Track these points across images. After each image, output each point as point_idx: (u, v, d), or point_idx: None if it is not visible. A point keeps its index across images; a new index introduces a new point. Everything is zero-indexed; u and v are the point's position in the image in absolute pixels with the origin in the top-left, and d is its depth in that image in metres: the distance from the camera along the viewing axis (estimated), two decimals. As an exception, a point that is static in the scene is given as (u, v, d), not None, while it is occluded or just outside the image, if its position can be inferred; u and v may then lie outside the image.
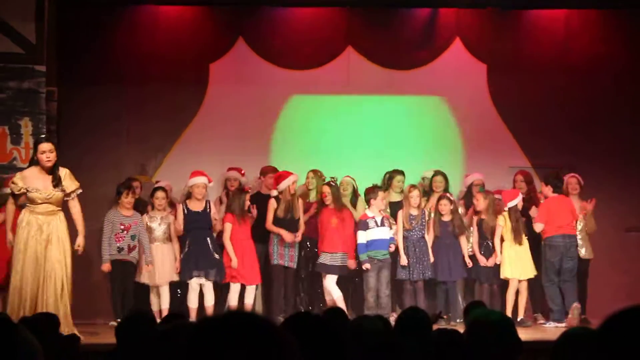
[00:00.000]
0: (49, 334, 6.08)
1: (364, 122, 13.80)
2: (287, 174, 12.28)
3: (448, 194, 12.59)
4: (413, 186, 12.48)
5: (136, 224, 11.75)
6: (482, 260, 12.34)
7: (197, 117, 13.50)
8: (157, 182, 12.68)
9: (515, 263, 12.27)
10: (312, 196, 12.61)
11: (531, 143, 13.78)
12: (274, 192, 12.30)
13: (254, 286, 12.09)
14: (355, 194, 12.68)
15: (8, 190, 10.21)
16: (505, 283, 12.36)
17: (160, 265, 11.87)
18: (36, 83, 11.71)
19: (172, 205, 12.29)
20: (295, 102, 13.74)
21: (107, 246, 11.59)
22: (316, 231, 12.33)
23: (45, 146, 9.91)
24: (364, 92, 13.77)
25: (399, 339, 5.21)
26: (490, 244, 12.37)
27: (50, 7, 11.98)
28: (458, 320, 11.78)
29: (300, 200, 12.33)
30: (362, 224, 12.10)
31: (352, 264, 12.16)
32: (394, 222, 12.31)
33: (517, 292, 12.30)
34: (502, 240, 12.31)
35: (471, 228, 12.57)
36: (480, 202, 12.42)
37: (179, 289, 12.05)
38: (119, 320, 10.70)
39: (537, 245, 12.43)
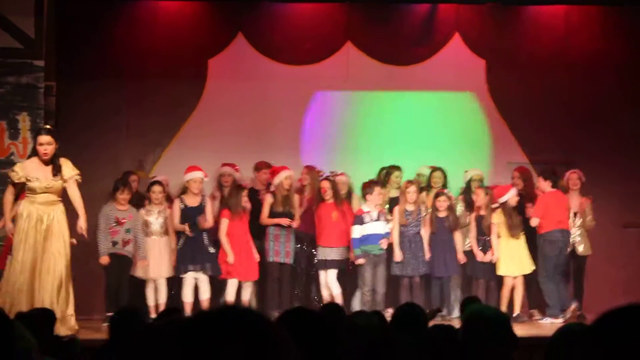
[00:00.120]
0: (44, 329, 6.08)
1: (371, 118, 13.81)
2: (281, 169, 12.29)
3: (446, 190, 12.59)
4: (410, 182, 12.47)
5: (131, 218, 11.75)
6: (479, 255, 12.34)
7: (195, 112, 13.51)
8: (153, 177, 12.68)
9: (511, 259, 12.27)
10: (308, 192, 12.60)
11: (530, 139, 13.78)
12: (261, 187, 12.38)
13: (251, 282, 12.09)
14: (349, 191, 12.68)
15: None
16: (502, 279, 12.36)
17: (158, 259, 11.87)
18: (35, 78, 11.70)
19: (169, 199, 12.28)
20: (296, 98, 13.73)
21: (103, 240, 11.59)
22: (311, 226, 12.34)
23: (44, 139, 9.91)
24: (363, 88, 13.76)
25: (394, 335, 5.21)
26: (489, 240, 12.37)
27: (49, 2, 11.99)
28: (453, 316, 11.78)
29: (296, 196, 12.33)
30: (357, 219, 12.10)
31: (353, 256, 12.16)
32: (391, 217, 12.31)
33: (513, 288, 12.30)
34: (499, 236, 12.32)
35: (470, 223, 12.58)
36: (480, 198, 12.42)
37: (174, 284, 12.05)
38: (109, 314, 10.82)
39: (533, 240, 12.42)
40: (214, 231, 11.99)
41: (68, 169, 9.96)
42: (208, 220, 11.89)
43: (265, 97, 13.61)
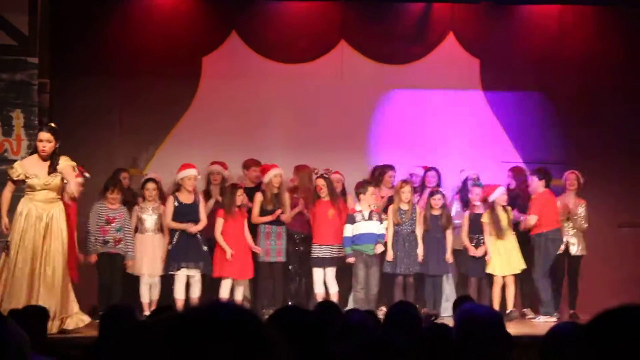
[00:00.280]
0: (37, 327, 6.08)
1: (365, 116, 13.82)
2: (269, 167, 12.30)
3: (441, 189, 12.60)
4: (405, 182, 12.47)
5: (122, 217, 11.78)
6: (471, 250, 12.35)
7: (189, 110, 13.50)
8: (145, 174, 12.70)
9: (499, 258, 12.27)
10: (299, 192, 12.60)
11: (523, 138, 13.79)
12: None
13: (244, 281, 12.10)
14: (343, 190, 12.68)
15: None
16: (493, 277, 12.38)
17: (152, 257, 11.87)
18: (28, 75, 11.69)
19: (161, 197, 12.28)
20: (290, 96, 13.73)
21: (92, 238, 11.61)
22: (304, 226, 12.35)
23: (43, 135, 9.93)
24: (357, 86, 13.75)
25: (388, 333, 5.21)
26: (482, 238, 12.39)
27: (43, -1, 11.97)
28: (446, 314, 11.79)
29: (287, 194, 12.33)
30: (349, 218, 12.11)
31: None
32: (385, 217, 12.30)
33: (505, 286, 12.30)
34: (490, 234, 12.34)
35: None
36: (476, 196, 12.43)
37: (170, 281, 12.04)
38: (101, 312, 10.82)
39: (526, 239, 12.43)
40: (207, 230, 11.98)
41: (63, 161, 9.94)
42: (202, 220, 11.89)
43: (259, 95, 13.60)
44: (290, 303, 11.86)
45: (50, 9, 12.33)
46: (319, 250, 12.16)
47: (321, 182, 12.23)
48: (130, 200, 12.23)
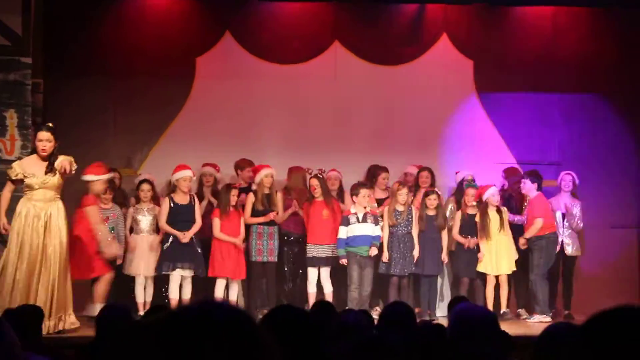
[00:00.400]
0: (32, 326, 6.07)
1: (359, 117, 13.82)
2: (261, 167, 12.32)
3: (437, 190, 12.62)
4: (402, 184, 12.48)
5: (115, 217, 11.83)
6: (465, 242, 12.36)
7: (183, 111, 13.49)
8: (139, 174, 12.71)
9: (489, 258, 12.29)
10: (292, 192, 12.60)
11: (517, 140, 13.80)
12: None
13: (238, 281, 12.10)
14: (341, 188, 12.70)
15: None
16: (486, 278, 12.40)
17: (146, 257, 11.89)
18: (22, 75, 11.66)
19: (154, 198, 12.28)
20: (283, 97, 13.73)
21: None
22: (298, 226, 12.36)
23: (43, 135, 9.93)
24: (351, 87, 13.75)
25: (383, 333, 5.22)
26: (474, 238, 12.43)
27: (36, -1, 11.96)
28: (441, 315, 11.80)
29: (279, 194, 12.34)
30: (344, 220, 12.12)
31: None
32: (381, 219, 12.31)
33: (499, 287, 12.32)
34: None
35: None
36: (470, 197, 12.43)
37: (161, 281, 12.05)
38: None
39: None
40: (201, 231, 12.00)
41: (58, 159, 9.92)
42: (197, 222, 11.90)
43: (253, 96, 13.59)
44: (284, 303, 11.86)
45: (44, 9, 12.32)
46: (313, 250, 12.16)
47: (315, 182, 12.24)
48: (121, 200, 12.26)
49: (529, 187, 12.41)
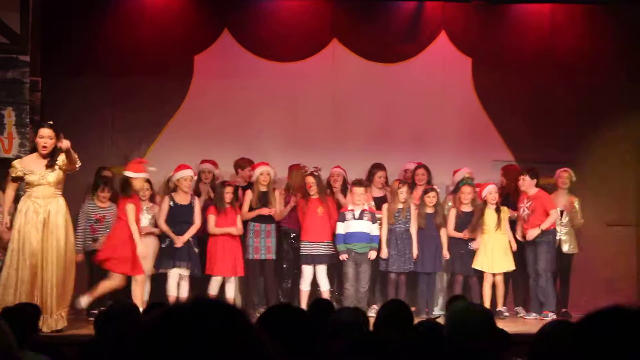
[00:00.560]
0: (29, 324, 6.07)
1: (357, 115, 13.83)
2: (258, 164, 12.33)
3: (435, 187, 12.62)
4: (402, 182, 12.49)
5: (111, 215, 11.81)
6: (460, 235, 12.36)
7: (181, 109, 13.49)
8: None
9: (485, 255, 12.29)
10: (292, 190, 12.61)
11: (515, 137, 13.81)
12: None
13: (234, 278, 12.09)
14: (345, 184, 12.69)
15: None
16: (483, 276, 12.41)
17: (145, 256, 11.88)
18: (20, 73, 11.66)
19: (152, 197, 12.31)
20: (281, 95, 13.73)
21: (81, 237, 11.65)
22: (296, 223, 12.36)
23: (44, 132, 9.94)
24: (349, 85, 13.75)
25: (380, 331, 5.22)
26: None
27: (35, -3, 11.95)
28: (438, 312, 11.80)
29: (277, 192, 12.34)
30: (341, 216, 12.16)
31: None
32: (379, 216, 12.32)
33: (495, 285, 12.33)
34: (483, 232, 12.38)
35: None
36: (465, 195, 12.44)
37: (155, 280, 12.06)
38: (94, 311, 10.83)
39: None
40: (200, 230, 12.01)
41: (62, 157, 9.92)
42: (196, 223, 11.91)
43: (251, 94, 13.59)
44: (284, 301, 11.86)
45: (42, 6, 12.30)
46: (308, 247, 12.16)
47: (311, 180, 12.24)
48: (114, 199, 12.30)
49: (528, 184, 12.39)
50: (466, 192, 12.42)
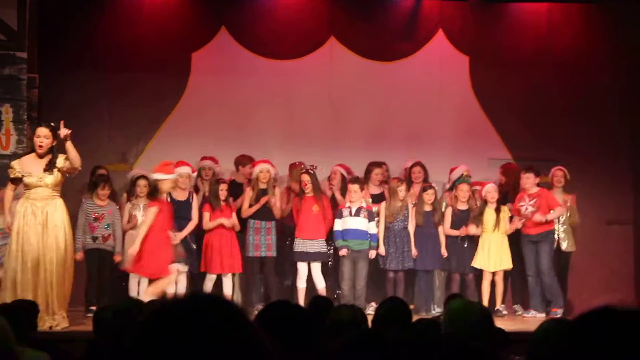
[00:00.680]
0: (27, 321, 6.07)
1: (354, 113, 13.83)
2: (258, 162, 12.34)
3: (434, 184, 12.64)
4: (400, 180, 12.50)
5: (110, 214, 11.85)
6: (455, 232, 12.38)
7: (178, 106, 13.49)
8: (129, 170, 12.72)
9: (482, 253, 12.32)
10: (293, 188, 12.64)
11: (512, 135, 13.81)
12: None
13: (231, 275, 12.10)
14: (345, 182, 12.69)
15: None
16: (480, 274, 12.43)
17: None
18: (17, 69, 11.64)
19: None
20: (278, 92, 13.73)
21: (80, 235, 11.66)
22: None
23: (41, 131, 9.91)
24: (346, 83, 13.75)
25: (378, 329, 5.22)
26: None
27: (32, -7, 11.93)
28: (437, 310, 11.81)
29: (277, 189, 12.34)
30: (338, 213, 12.20)
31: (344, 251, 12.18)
32: (376, 214, 12.34)
33: (494, 283, 12.34)
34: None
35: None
36: (463, 192, 12.45)
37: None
38: (93, 307, 10.86)
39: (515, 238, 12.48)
40: (197, 227, 12.02)
41: (61, 159, 9.90)
42: (193, 219, 11.91)
43: (248, 91, 13.59)
44: (284, 298, 11.85)
45: (39, 3, 12.29)
46: (302, 245, 12.16)
47: (306, 178, 12.24)
48: (112, 197, 12.31)
49: (533, 182, 12.41)
50: (464, 190, 12.43)
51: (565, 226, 12.68)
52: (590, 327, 2.25)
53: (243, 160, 12.87)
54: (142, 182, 12.07)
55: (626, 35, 13.75)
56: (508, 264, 12.33)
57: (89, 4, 13.20)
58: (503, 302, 12.42)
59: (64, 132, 9.78)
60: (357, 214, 12.12)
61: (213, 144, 13.13)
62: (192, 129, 13.30)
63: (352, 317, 5.32)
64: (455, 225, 12.42)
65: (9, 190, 10.05)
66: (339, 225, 12.13)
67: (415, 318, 5.75)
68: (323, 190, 12.51)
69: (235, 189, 12.55)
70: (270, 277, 12.28)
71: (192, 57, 13.54)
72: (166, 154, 12.55)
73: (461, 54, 13.91)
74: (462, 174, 12.77)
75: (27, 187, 9.86)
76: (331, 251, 12.47)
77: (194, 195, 12.10)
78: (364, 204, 12.20)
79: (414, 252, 12.27)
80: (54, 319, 9.76)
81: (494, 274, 12.31)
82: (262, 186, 12.21)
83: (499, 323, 5.20)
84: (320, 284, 12.09)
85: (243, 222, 12.21)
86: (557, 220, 12.55)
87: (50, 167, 9.83)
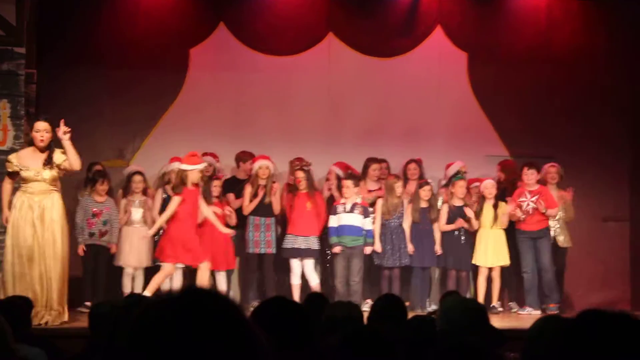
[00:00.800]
0: (21, 317, 6.07)
1: (352, 109, 13.82)
2: (258, 158, 12.34)
3: (430, 181, 12.64)
4: (397, 177, 12.51)
5: (108, 210, 11.89)
6: (449, 227, 12.38)
7: (176, 102, 13.47)
8: (126, 166, 12.72)
9: (479, 249, 12.33)
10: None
11: (510, 132, 13.81)
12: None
13: (224, 272, 12.09)
14: (340, 181, 12.69)
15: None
16: (474, 270, 12.44)
17: (138, 248, 11.92)
18: (15, 65, 11.62)
19: (144, 190, 12.32)
20: (277, 88, 13.72)
21: (80, 231, 11.71)
22: None
23: (41, 125, 9.95)
24: (345, 79, 13.75)
25: (374, 325, 5.22)
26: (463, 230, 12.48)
27: (30, -12, 11.91)
28: (433, 307, 11.82)
29: (276, 185, 12.34)
30: (332, 209, 12.20)
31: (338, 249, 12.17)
32: (373, 210, 12.34)
33: (491, 280, 12.36)
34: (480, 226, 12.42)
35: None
36: (458, 189, 12.46)
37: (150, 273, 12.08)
38: (88, 303, 10.89)
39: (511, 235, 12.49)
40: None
41: (59, 155, 9.91)
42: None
43: (247, 87, 13.59)
44: (282, 294, 11.84)
45: (38, -1, 12.29)
46: (294, 241, 12.16)
47: (300, 175, 12.25)
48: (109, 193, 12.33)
49: (535, 178, 12.45)
50: (462, 187, 12.44)
51: (560, 222, 12.69)
52: (585, 327, 2.26)
53: (244, 157, 12.87)
54: (137, 178, 12.11)
55: (626, 32, 13.74)
56: (505, 261, 12.35)
57: (87, 1, 13.17)
58: (499, 298, 12.42)
59: (63, 129, 9.79)
60: (352, 210, 12.12)
61: (211, 140, 13.12)
62: (190, 125, 13.29)
63: (348, 313, 5.32)
64: (450, 221, 12.43)
65: (7, 184, 10.06)
66: (333, 221, 12.13)
67: (410, 315, 5.75)
68: (317, 188, 12.50)
69: (236, 185, 12.55)
70: (268, 274, 12.28)
71: (190, 53, 13.53)
72: (164, 149, 12.57)
73: (459, 50, 13.90)
74: (459, 170, 12.77)
75: (25, 181, 9.88)
76: (328, 251, 12.43)
77: None
78: (358, 200, 12.19)
79: (410, 248, 12.28)
80: (51, 314, 9.75)
81: (490, 270, 12.32)
82: (262, 182, 12.20)
83: (494, 320, 5.21)
84: (314, 281, 12.09)
85: (243, 219, 12.21)
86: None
87: (49, 162, 9.84)
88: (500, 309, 12.30)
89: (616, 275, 13.54)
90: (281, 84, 13.67)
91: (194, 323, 1.78)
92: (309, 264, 12.15)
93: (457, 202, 12.46)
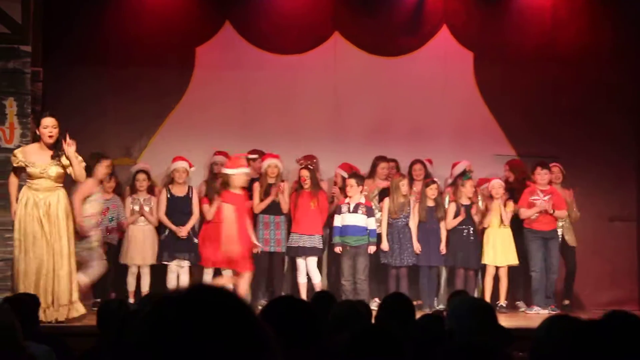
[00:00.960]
0: (29, 314, 6.07)
1: (358, 108, 13.82)
2: (267, 156, 12.34)
3: (436, 180, 12.64)
4: (403, 175, 12.51)
5: (115, 207, 11.90)
6: (456, 221, 12.39)
7: (182, 101, 13.48)
8: (134, 164, 12.74)
9: (486, 248, 12.33)
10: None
11: (517, 131, 13.80)
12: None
13: (229, 271, 12.11)
14: (345, 182, 12.69)
15: None
16: (483, 269, 12.45)
17: (142, 247, 11.94)
18: (21, 63, 11.62)
19: (150, 188, 12.33)
20: (282, 87, 13.72)
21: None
22: None
23: (48, 121, 9.95)
24: (350, 78, 13.75)
25: (382, 324, 5.22)
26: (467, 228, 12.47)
27: (36, -13, 11.92)
28: (441, 306, 11.82)
29: (284, 184, 12.34)
30: (337, 209, 12.22)
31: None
32: (379, 210, 12.35)
33: (498, 278, 12.35)
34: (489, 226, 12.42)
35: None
36: (466, 188, 12.46)
37: (156, 271, 12.10)
38: (98, 300, 10.91)
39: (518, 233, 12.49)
40: (199, 222, 12.02)
41: (66, 160, 9.91)
42: (194, 214, 11.92)
43: (253, 86, 13.59)
44: (290, 293, 11.87)
45: (44, -3, 12.30)
46: (298, 240, 12.17)
47: (305, 174, 12.26)
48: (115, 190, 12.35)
49: (548, 178, 12.47)
50: (471, 187, 12.43)
51: (566, 222, 12.70)
52: (595, 328, 2.26)
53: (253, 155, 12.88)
54: (140, 177, 12.14)
55: (631, 31, 13.74)
56: (514, 260, 12.35)
57: (93, -1, 13.20)
58: (507, 298, 12.42)
59: (69, 142, 9.83)
60: (356, 210, 12.12)
61: (217, 138, 13.13)
62: (196, 124, 13.30)
63: (356, 311, 5.32)
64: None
65: (13, 179, 10.07)
66: (337, 221, 12.13)
67: (419, 314, 5.75)
68: (321, 187, 12.49)
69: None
70: (279, 272, 12.30)
71: (196, 51, 13.54)
72: (170, 148, 12.59)
73: (465, 50, 13.90)
74: (465, 170, 12.76)
75: (30, 177, 9.88)
76: (336, 249, 12.44)
77: (194, 190, 12.11)
78: (362, 200, 12.19)
79: (417, 247, 12.27)
80: (59, 311, 9.76)
81: (497, 269, 12.32)
82: (271, 181, 12.21)
83: (502, 319, 5.20)
84: (316, 279, 12.11)
85: (253, 217, 12.22)
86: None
87: (56, 155, 9.84)
88: (505, 309, 12.27)
89: (624, 275, 13.54)
90: (287, 82, 13.67)
91: (203, 321, 1.76)
92: (312, 262, 12.16)
93: (465, 201, 12.45)
